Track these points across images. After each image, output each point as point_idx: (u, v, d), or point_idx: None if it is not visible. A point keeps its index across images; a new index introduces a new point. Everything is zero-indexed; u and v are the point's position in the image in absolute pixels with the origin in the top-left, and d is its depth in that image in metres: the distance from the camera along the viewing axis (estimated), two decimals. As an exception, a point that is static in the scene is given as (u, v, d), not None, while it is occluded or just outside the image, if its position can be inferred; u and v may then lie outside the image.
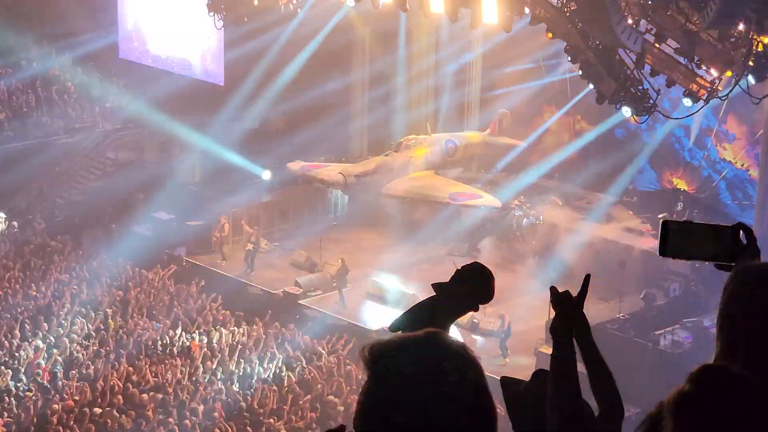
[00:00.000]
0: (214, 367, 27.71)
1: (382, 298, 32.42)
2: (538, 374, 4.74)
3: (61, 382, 26.29)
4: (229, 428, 24.41)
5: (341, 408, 25.69)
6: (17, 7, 42.88)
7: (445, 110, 39.40)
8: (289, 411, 25.50)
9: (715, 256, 4.25)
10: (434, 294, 4.32)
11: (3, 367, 26.66)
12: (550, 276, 32.35)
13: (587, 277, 4.44)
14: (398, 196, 36.11)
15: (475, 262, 4.43)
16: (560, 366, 4.21)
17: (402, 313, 4.33)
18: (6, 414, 24.62)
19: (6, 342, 28.26)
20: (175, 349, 28.61)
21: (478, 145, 38.79)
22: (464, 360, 3.05)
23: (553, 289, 4.42)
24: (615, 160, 35.51)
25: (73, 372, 26.87)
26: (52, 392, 25.80)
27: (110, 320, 29.88)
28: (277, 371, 27.57)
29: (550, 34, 23.37)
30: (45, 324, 29.41)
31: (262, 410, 25.45)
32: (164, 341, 29.00)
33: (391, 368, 3.04)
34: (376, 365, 3.08)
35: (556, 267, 32.66)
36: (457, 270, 4.34)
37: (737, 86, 22.03)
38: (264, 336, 29.70)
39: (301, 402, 26.00)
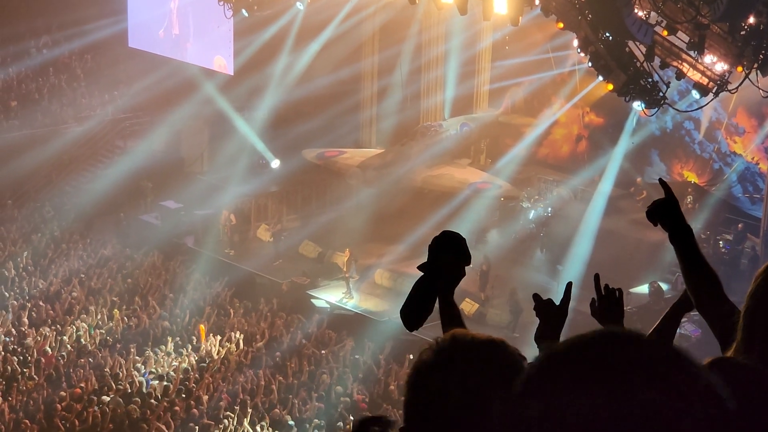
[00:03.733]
0: (222, 356, 27.77)
1: (391, 289, 32.44)
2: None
3: (68, 370, 26.34)
4: (235, 417, 24.43)
5: (346, 399, 25.68)
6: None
7: (454, 101, 39.32)
8: (295, 400, 25.52)
9: None
10: (422, 275, 4.36)
11: (10, 354, 26.72)
12: (557, 268, 32.36)
13: (569, 286, 4.56)
14: (417, 187, 36.04)
15: (442, 232, 4.44)
16: None
17: (406, 298, 4.38)
18: (13, 400, 24.66)
19: (13, 329, 28.32)
20: (180, 338, 28.66)
21: (492, 125, 38.71)
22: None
23: (536, 297, 4.56)
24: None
25: (81, 360, 26.93)
26: (60, 380, 25.86)
27: (115, 309, 29.92)
28: (283, 360, 27.59)
29: (561, 24, 23.34)
30: (52, 311, 29.49)
31: (268, 399, 25.46)
32: (171, 330, 29.06)
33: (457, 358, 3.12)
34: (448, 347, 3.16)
35: (564, 259, 32.64)
36: (430, 246, 4.37)
37: (747, 79, 21.98)
38: (271, 325, 29.75)
39: (311, 392, 26.03)
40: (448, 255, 4.36)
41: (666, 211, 4.53)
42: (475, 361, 3.07)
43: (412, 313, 4.30)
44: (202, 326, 28.91)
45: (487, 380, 3.05)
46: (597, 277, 4.71)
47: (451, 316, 4.36)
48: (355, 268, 32.80)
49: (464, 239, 4.43)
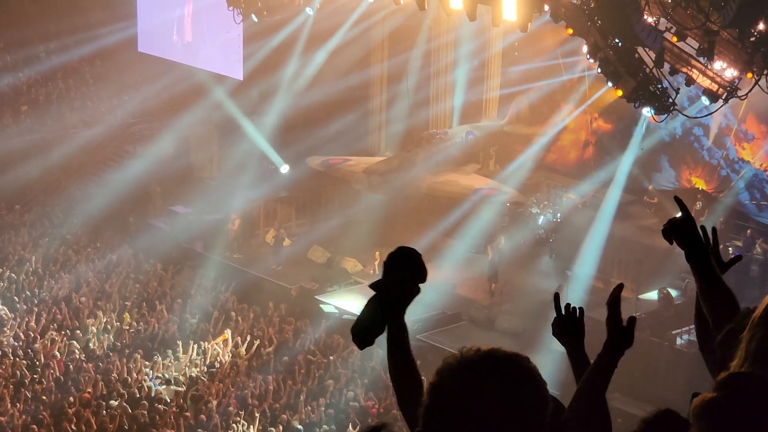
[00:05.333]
0: (230, 361, 27.78)
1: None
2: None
3: (77, 375, 26.36)
4: (244, 422, 24.44)
5: (355, 404, 25.68)
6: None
7: (463, 107, 39.34)
8: (303, 405, 25.52)
9: None
10: (374, 294, 4.27)
11: (19, 359, 26.75)
12: (567, 274, 32.34)
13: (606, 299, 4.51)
14: (422, 193, 36.05)
15: (398, 248, 4.33)
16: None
17: (357, 316, 4.32)
18: (21, 405, 24.69)
19: (22, 334, 28.36)
20: (189, 343, 28.66)
21: (497, 134, 38.73)
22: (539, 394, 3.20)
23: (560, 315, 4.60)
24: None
25: (90, 364, 26.95)
26: (68, 384, 25.88)
27: (126, 313, 30.00)
28: (291, 365, 27.60)
29: (570, 30, 23.32)
30: (61, 316, 29.51)
31: (277, 405, 25.48)
32: (180, 335, 29.08)
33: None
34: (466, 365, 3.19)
35: (573, 265, 32.61)
36: (384, 262, 4.27)
37: (756, 85, 21.94)
38: (280, 330, 29.75)
39: (319, 397, 26.03)
40: (402, 273, 4.25)
41: (682, 229, 4.51)
42: (497, 375, 3.09)
43: (363, 333, 4.24)
44: (227, 332, 28.90)
45: (506, 395, 3.07)
46: (557, 296, 4.67)
47: (399, 337, 4.31)
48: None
49: (419, 255, 4.32)
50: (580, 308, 4.64)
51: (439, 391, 3.17)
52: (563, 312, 4.63)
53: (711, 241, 4.65)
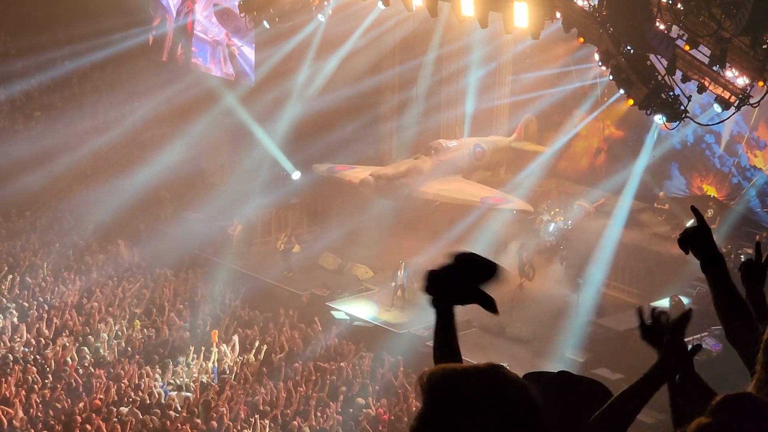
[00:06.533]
0: (240, 368, 27.77)
1: (410, 302, 32.41)
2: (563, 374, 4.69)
3: (87, 381, 26.36)
4: (258, 425, 24.43)
5: (368, 411, 25.64)
6: (50, 5, 43.09)
7: (474, 114, 39.35)
8: (314, 412, 25.50)
9: None
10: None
11: (30, 365, 26.76)
12: (578, 282, 32.29)
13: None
14: (429, 200, 36.10)
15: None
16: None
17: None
18: (32, 411, 24.70)
19: (33, 340, 28.38)
20: (200, 349, 28.67)
21: (505, 149, 38.79)
22: (523, 397, 3.09)
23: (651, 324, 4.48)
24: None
25: (101, 370, 26.96)
26: (79, 391, 25.89)
27: (136, 320, 30.00)
28: (302, 372, 27.58)
29: (582, 39, 23.30)
30: (71, 322, 29.53)
31: (288, 411, 25.46)
32: (191, 341, 29.07)
33: (449, 397, 3.11)
34: (434, 392, 3.14)
35: (584, 273, 32.57)
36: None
37: (769, 93, 21.91)
38: (291, 336, 29.74)
39: (330, 404, 26.01)
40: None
41: (698, 239, 4.48)
42: (473, 394, 3.07)
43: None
44: (215, 332, 28.89)
45: (485, 409, 3.03)
46: (639, 309, 4.57)
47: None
48: (407, 275, 32.80)
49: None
50: (664, 313, 4.63)
51: (425, 416, 3.15)
52: (650, 319, 4.61)
53: (763, 260, 4.65)
